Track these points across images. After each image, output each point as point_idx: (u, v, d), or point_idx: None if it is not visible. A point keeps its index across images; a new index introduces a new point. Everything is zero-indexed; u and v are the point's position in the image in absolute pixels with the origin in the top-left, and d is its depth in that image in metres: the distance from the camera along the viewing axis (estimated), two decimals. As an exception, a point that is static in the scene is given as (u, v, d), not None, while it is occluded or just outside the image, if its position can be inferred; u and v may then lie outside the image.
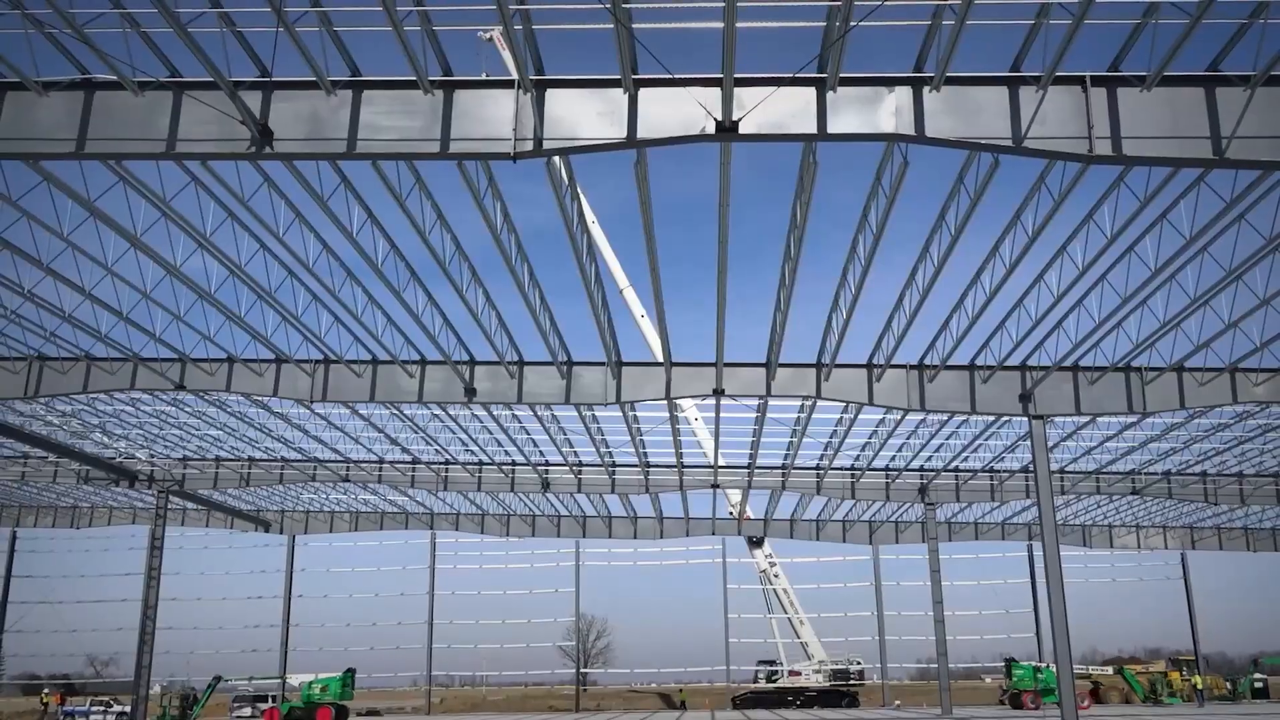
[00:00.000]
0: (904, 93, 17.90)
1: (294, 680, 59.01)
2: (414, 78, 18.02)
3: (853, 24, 16.04)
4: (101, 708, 65.91)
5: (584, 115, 18.15)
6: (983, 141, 17.99)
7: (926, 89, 17.85)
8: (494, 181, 22.36)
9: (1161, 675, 69.75)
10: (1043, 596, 44.71)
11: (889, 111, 17.82)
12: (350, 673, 56.85)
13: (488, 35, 26.61)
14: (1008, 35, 17.73)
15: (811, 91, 17.82)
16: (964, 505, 60.58)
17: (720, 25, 15.78)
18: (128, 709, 56.39)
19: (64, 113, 18.58)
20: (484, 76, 19.08)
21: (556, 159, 20.83)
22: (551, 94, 18.28)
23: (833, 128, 17.76)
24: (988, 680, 75.20)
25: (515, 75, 18.03)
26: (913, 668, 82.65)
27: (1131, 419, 40.85)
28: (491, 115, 18.29)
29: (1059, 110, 17.87)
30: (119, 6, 16.96)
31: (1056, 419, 38.80)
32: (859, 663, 69.68)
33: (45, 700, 64.19)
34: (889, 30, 17.33)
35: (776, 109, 17.68)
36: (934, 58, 17.55)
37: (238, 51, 17.85)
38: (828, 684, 68.47)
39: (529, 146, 18.10)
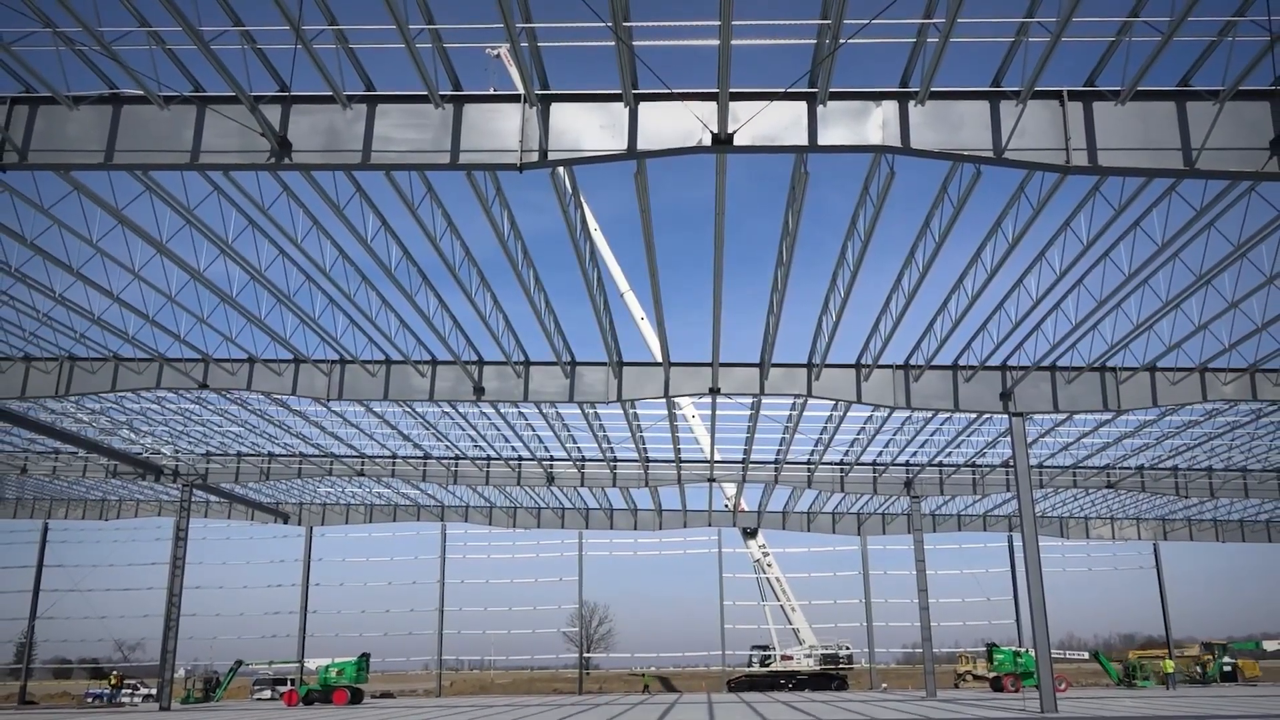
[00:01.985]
0: (890, 106, 17.93)
1: (311, 664, 59.00)
2: (425, 92, 18.05)
3: (842, 41, 16.05)
4: (129, 690, 65.98)
5: (587, 128, 18.16)
6: (965, 153, 17.98)
7: (912, 103, 17.87)
8: (501, 191, 22.38)
9: (1195, 659, 70.46)
10: (1022, 585, 44.72)
11: (876, 124, 17.84)
12: (365, 657, 56.80)
13: (495, 52, 26.65)
14: (989, 52, 17.76)
15: (803, 105, 17.85)
16: (947, 498, 60.51)
17: (716, 42, 15.80)
18: (154, 691, 56.39)
19: (93, 125, 18.62)
20: (492, 91, 19.12)
21: (560, 169, 20.84)
22: (556, 107, 18.28)
23: (823, 140, 17.79)
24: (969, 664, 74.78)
25: (521, 90, 18.05)
26: (899, 652, 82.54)
27: (1106, 416, 40.82)
28: (499, 128, 18.31)
29: (1038, 123, 17.89)
30: (145, 24, 16.97)
31: (1035, 416, 38.80)
32: (848, 647, 69.64)
33: (112, 682, 65.06)
34: (876, 47, 17.34)
35: (770, 122, 17.71)
36: (919, 73, 17.57)
37: (258, 67, 17.87)
38: (818, 668, 68.44)
39: (534, 158, 18.11)
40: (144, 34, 17.15)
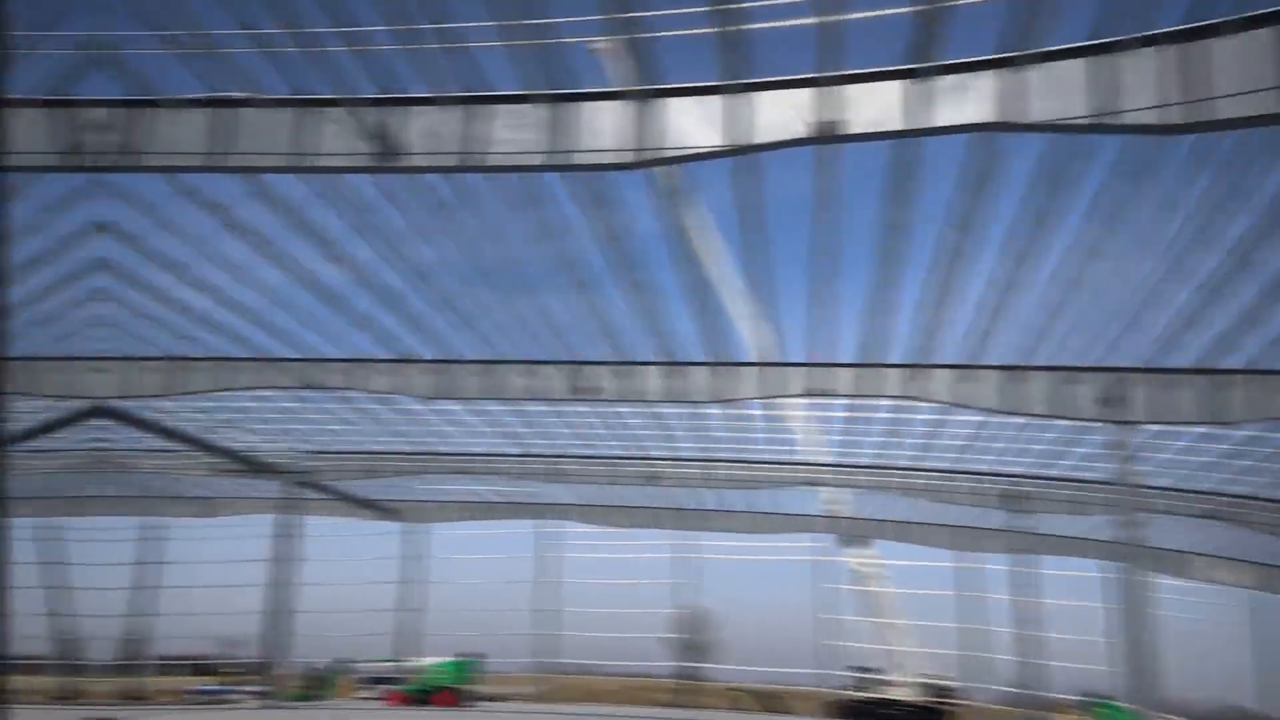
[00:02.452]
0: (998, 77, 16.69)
1: (420, 662, 59.52)
2: (528, 92, 17.93)
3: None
4: (234, 687, 67.43)
5: (693, 122, 17.78)
6: (1082, 122, 16.94)
7: (1011, 70, 16.35)
8: (603, 191, 22.13)
9: None
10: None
11: (986, 99, 16.62)
12: (473, 658, 57.01)
13: (597, 48, 26.46)
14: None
15: (902, 85, 16.83)
16: (1058, 514, 56.95)
17: (821, 20, 15.16)
18: (261, 689, 57.55)
19: (199, 128, 18.85)
20: (596, 89, 18.89)
21: (666, 166, 20.53)
22: (660, 103, 17.93)
23: (933, 121, 16.81)
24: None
25: (625, 86, 17.82)
26: (990, 690, 74.42)
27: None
28: (602, 126, 18.09)
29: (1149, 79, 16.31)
30: (247, 27, 17.13)
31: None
32: (953, 680, 64.45)
33: (225, 680, 67.43)
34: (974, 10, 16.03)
35: (878, 105, 16.93)
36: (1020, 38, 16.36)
37: (361, 68, 17.91)
38: (933, 699, 61.28)
39: (640, 156, 17.83)
40: (246, 37, 17.33)
